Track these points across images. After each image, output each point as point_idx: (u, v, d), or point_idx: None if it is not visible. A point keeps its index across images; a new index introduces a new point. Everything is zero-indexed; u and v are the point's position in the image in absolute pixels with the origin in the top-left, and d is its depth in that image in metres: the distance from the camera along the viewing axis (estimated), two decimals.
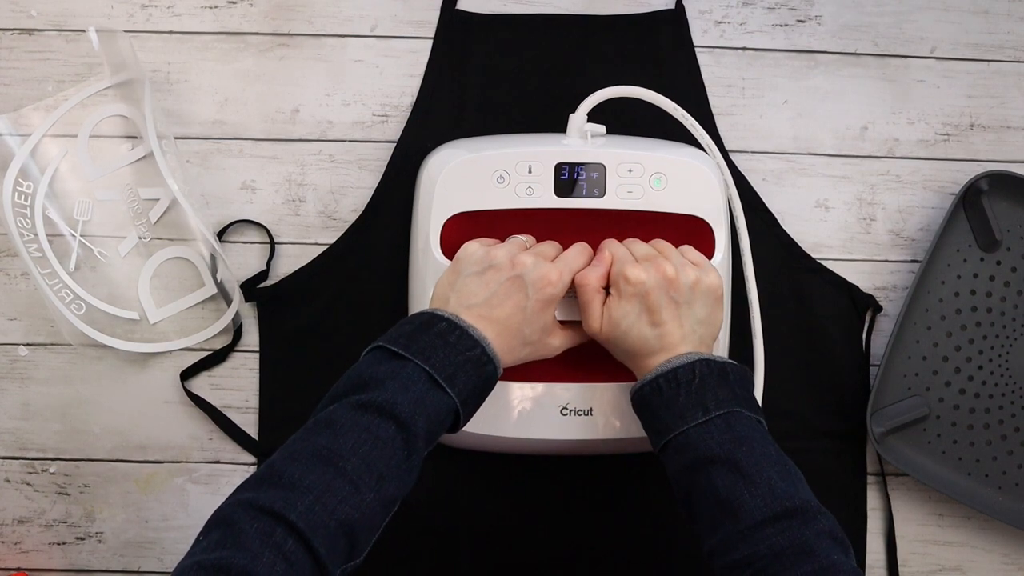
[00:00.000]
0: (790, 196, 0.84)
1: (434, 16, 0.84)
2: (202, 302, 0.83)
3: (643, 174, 0.73)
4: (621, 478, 0.81)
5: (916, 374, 0.82)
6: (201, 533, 0.54)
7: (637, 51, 0.83)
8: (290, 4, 0.84)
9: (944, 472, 0.82)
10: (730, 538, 0.59)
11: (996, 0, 0.86)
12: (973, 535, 0.84)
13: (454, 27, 0.83)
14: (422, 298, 0.74)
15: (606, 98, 0.73)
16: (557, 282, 0.66)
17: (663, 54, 0.83)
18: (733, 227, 0.74)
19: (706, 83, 0.84)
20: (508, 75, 0.83)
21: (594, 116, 0.74)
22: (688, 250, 0.70)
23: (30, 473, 0.83)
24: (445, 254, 0.73)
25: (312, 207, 0.84)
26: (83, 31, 0.83)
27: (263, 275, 0.83)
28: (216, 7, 0.84)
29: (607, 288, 0.68)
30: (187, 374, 0.82)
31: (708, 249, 0.73)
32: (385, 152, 0.83)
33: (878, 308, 0.84)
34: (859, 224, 0.85)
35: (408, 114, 0.83)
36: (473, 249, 0.68)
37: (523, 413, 0.74)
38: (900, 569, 0.83)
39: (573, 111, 0.74)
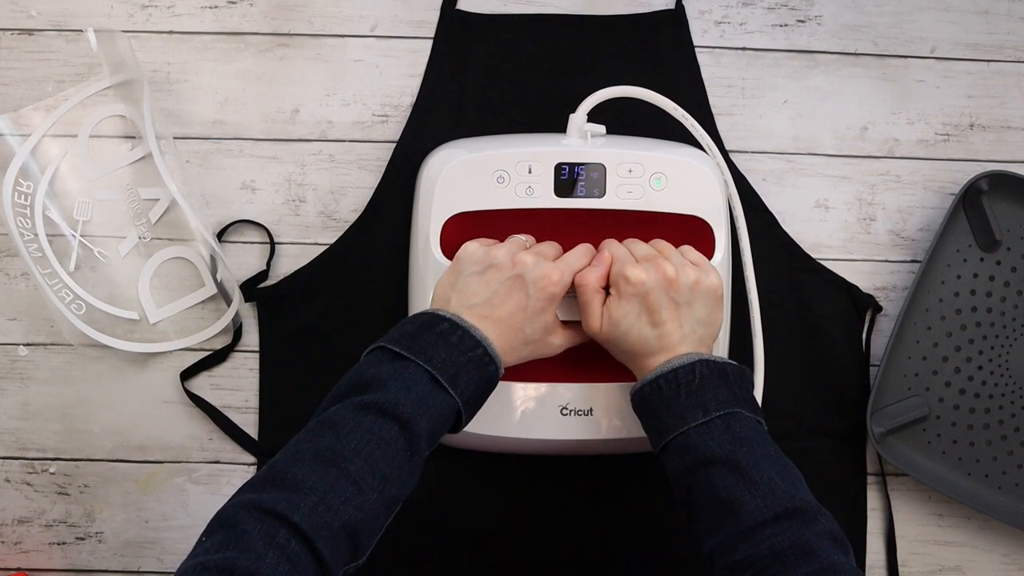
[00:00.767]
0: (790, 196, 0.84)
1: (434, 16, 0.84)
2: (202, 302, 0.83)
3: (643, 174, 0.73)
4: (621, 479, 0.81)
5: (916, 374, 0.82)
6: (204, 534, 0.54)
7: (637, 51, 0.83)
8: (290, 4, 0.84)
9: (944, 472, 0.82)
10: (730, 538, 0.59)
11: (996, 0, 0.86)
12: (973, 535, 0.84)
13: (454, 27, 0.83)
14: (422, 298, 0.74)
15: (606, 98, 0.73)
16: (558, 281, 0.66)
17: (663, 54, 0.83)
18: (733, 227, 0.74)
19: (706, 83, 0.84)
20: (508, 75, 0.83)
21: (594, 116, 0.74)
22: (688, 250, 0.70)
23: (30, 473, 0.83)
24: (445, 254, 0.73)
25: (312, 207, 0.84)
26: (83, 31, 0.83)
27: (263, 275, 0.83)
28: (216, 7, 0.84)
29: (607, 288, 0.68)
30: (187, 374, 0.82)
31: (708, 249, 0.73)
32: (385, 152, 0.83)
33: (878, 308, 0.84)
34: (859, 224, 0.85)
35: (408, 114, 0.83)
36: (473, 249, 0.68)
37: (523, 413, 0.74)
38: (900, 569, 0.83)
39: (573, 111, 0.74)
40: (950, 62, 0.86)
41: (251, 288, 0.82)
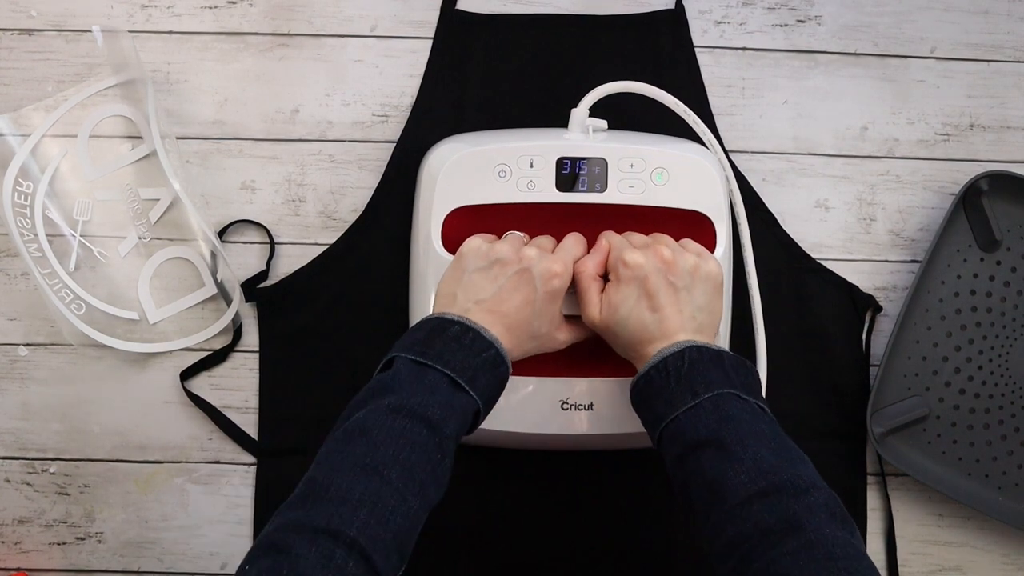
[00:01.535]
0: (790, 196, 0.84)
1: (434, 16, 0.84)
2: (202, 302, 0.83)
3: (645, 169, 0.73)
4: (622, 475, 0.81)
5: (916, 374, 0.82)
6: (246, 562, 0.50)
7: (637, 51, 0.83)
8: (290, 4, 0.84)
9: (944, 472, 0.82)
10: (718, 521, 0.55)
11: (996, 0, 0.86)
12: (973, 535, 0.84)
13: (454, 27, 0.83)
14: (423, 294, 0.74)
15: (608, 93, 0.73)
16: (562, 272, 0.66)
17: (663, 54, 0.83)
18: (735, 223, 0.74)
19: (706, 83, 0.84)
20: (508, 75, 0.83)
21: (595, 114, 0.74)
22: (688, 242, 0.70)
23: (30, 473, 0.83)
24: (446, 248, 0.73)
25: (312, 207, 0.84)
26: (83, 31, 0.83)
27: (263, 275, 0.83)
28: (216, 7, 0.84)
29: (605, 277, 0.68)
30: (187, 374, 0.82)
31: (709, 244, 0.73)
32: (385, 152, 0.83)
33: (878, 308, 0.84)
34: (859, 224, 0.85)
35: (408, 114, 0.83)
36: (477, 244, 0.67)
37: (524, 408, 0.74)
38: (900, 569, 0.83)
39: (574, 109, 0.74)
40: (950, 62, 0.86)
41: (251, 288, 0.82)
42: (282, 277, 0.83)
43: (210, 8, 0.84)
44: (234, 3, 0.84)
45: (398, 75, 0.84)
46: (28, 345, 0.83)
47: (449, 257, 0.72)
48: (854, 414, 0.82)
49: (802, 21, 0.85)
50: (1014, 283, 0.82)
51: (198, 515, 0.83)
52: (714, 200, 0.74)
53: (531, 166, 0.73)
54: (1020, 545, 0.84)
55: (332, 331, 0.82)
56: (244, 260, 0.84)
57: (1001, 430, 0.82)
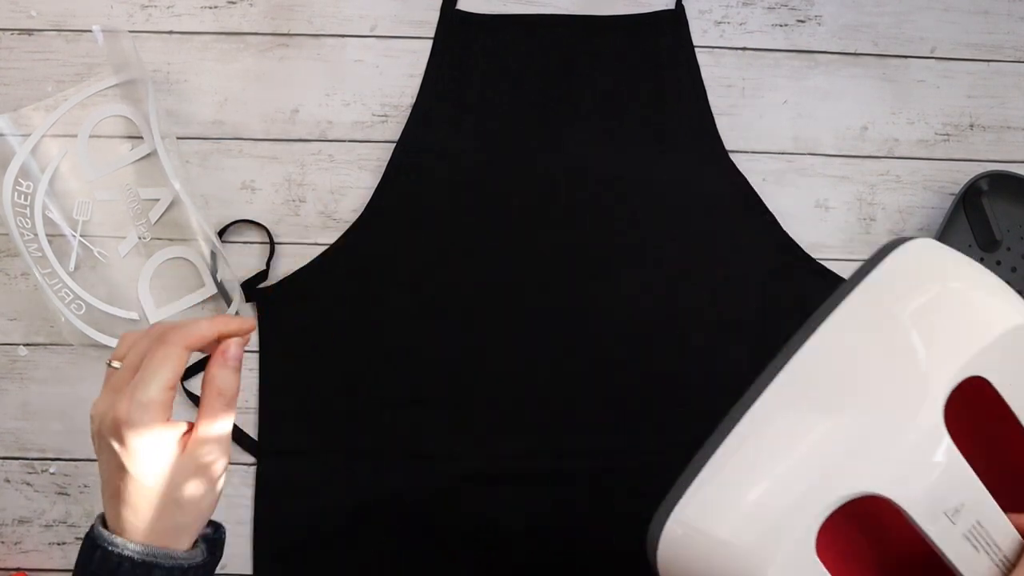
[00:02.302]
0: (790, 196, 0.84)
1: (434, 16, 0.84)
2: (202, 302, 0.83)
3: None
4: (621, 481, 0.81)
5: None
6: None
7: (637, 51, 0.83)
8: (290, 4, 0.84)
9: None
10: None
11: (996, 0, 0.86)
12: None
13: (454, 27, 0.83)
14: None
15: None
16: (125, 417, 0.47)
17: (663, 54, 0.83)
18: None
19: (706, 83, 0.84)
20: (508, 75, 0.83)
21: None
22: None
23: (30, 473, 0.83)
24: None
25: (312, 207, 0.84)
26: (83, 31, 0.83)
27: (263, 275, 0.83)
28: (216, 7, 0.84)
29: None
30: (187, 374, 0.82)
31: None
32: (385, 152, 0.83)
33: None
34: (859, 224, 0.85)
35: (408, 114, 0.83)
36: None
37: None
38: None
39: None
40: (950, 62, 0.86)
41: (251, 288, 0.82)
42: (282, 277, 0.83)
43: (210, 8, 0.84)
44: (234, 3, 0.84)
45: (398, 75, 0.84)
46: (28, 345, 0.83)
47: None
48: None
49: (802, 21, 0.86)
50: (1014, 283, 0.82)
51: None
52: None
53: None
54: None
55: (332, 331, 0.82)
56: (244, 260, 0.84)
57: None
